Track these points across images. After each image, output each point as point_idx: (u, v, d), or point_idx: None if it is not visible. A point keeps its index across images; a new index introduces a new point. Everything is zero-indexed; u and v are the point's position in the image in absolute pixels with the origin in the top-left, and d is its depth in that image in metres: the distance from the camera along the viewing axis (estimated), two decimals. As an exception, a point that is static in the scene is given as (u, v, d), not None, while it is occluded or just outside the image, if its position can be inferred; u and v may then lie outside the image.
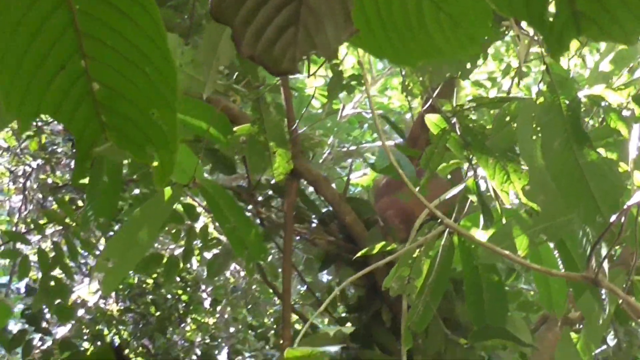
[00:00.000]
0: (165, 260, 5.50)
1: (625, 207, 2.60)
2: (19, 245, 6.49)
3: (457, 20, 1.39)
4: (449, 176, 4.46)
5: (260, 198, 5.17)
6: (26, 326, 6.56)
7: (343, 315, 4.86)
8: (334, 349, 2.78)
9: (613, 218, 2.64)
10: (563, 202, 3.06)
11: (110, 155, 3.10)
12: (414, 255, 3.55)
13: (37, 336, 6.70)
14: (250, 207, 5.06)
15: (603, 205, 2.95)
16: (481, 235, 3.55)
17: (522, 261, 3.04)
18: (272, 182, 5.03)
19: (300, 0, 1.21)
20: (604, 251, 2.99)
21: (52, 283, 5.96)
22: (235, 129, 3.47)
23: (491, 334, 3.53)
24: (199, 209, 5.30)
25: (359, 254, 4.10)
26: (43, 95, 1.35)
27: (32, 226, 6.40)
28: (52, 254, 5.92)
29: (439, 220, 3.59)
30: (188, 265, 7.18)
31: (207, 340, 8.25)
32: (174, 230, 5.64)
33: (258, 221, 5.14)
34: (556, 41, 1.32)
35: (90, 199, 3.44)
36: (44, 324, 6.65)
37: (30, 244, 6.50)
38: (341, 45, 1.21)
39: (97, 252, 6.31)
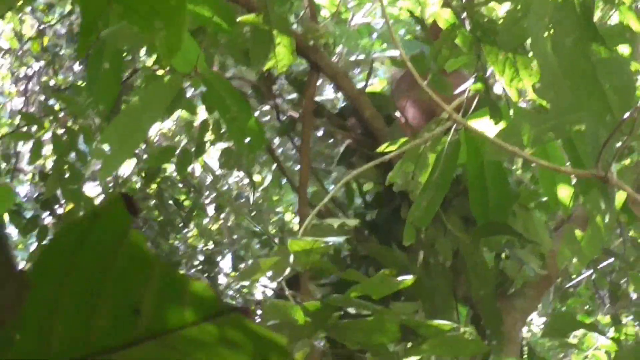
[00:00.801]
0: (177, 152, 5.49)
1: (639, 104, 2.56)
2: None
3: None
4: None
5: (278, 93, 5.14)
6: (40, 211, 6.60)
7: (360, 212, 4.86)
8: (338, 239, 2.78)
9: (626, 115, 2.61)
10: (574, 100, 3.03)
11: (115, 39, 3.07)
12: (420, 151, 3.53)
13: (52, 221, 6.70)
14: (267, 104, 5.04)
15: (614, 103, 2.93)
16: (488, 130, 3.52)
17: (530, 157, 3.03)
18: (292, 76, 4.99)
19: None
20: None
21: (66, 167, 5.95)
22: (239, 19, 3.41)
23: (495, 230, 3.54)
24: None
25: (379, 149, 4.06)
26: None
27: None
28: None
29: (448, 116, 3.57)
30: (191, 170, 7.17)
31: (211, 246, 8.28)
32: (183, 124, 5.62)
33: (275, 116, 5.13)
34: None
35: (90, 86, 3.40)
36: (59, 209, 6.64)
37: (43, 127, 6.42)
38: None
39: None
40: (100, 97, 3.40)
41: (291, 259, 2.82)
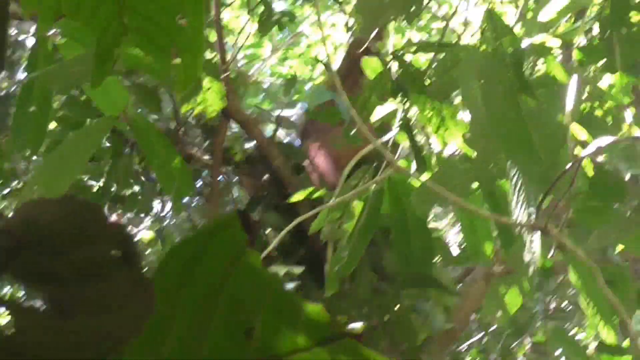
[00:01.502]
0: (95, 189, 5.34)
1: (582, 155, 2.58)
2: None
3: None
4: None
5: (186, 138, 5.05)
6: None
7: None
8: (287, 286, 2.70)
9: (568, 166, 2.62)
10: (503, 150, 3.04)
11: (45, 81, 2.96)
12: (345, 199, 3.49)
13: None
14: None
15: (542, 155, 2.94)
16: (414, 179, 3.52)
17: (464, 203, 3.00)
18: (201, 122, 4.93)
19: None
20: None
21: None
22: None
23: (418, 281, 3.50)
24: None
25: (288, 199, 4.03)
26: None
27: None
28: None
29: (374, 164, 3.55)
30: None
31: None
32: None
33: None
34: None
35: (17, 129, 3.28)
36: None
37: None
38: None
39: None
40: (27, 141, 3.28)
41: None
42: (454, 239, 6.98)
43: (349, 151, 4.11)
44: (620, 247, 3.92)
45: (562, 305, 5.76)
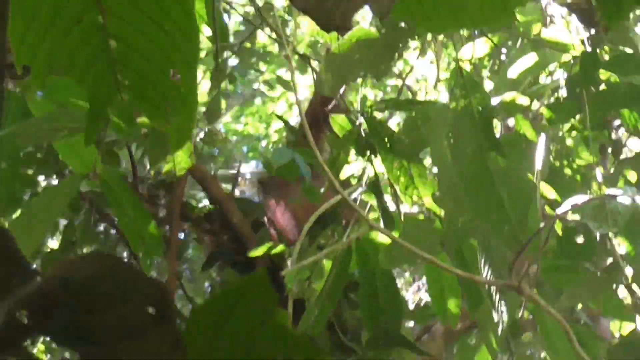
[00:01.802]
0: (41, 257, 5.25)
1: (557, 214, 2.57)
2: None
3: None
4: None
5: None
6: None
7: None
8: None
9: (542, 225, 2.61)
10: (473, 209, 3.03)
11: (14, 138, 2.91)
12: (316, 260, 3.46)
13: None
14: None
15: (512, 214, 2.93)
16: (382, 238, 3.50)
17: (436, 261, 2.98)
18: (158, 177, 4.88)
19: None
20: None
21: None
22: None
23: (388, 340, 3.47)
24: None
25: (248, 255, 4.00)
26: (57, 50, 1.23)
27: None
28: None
29: (344, 223, 3.52)
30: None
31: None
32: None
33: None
34: (614, 8, 1.25)
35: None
36: None
37: None
38: (394, 2, 1.12)
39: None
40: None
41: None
42: (410, 297, 6.99)
43: (308, 208, 4.10)
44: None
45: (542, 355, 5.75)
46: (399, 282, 7.19)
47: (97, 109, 1.30)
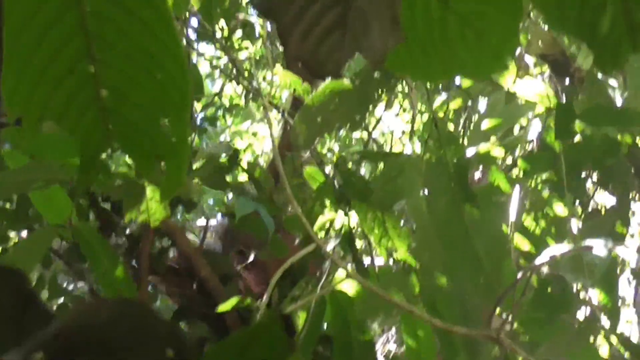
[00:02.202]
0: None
1: (535, 265, 2.58)
2: None
3: (484, 35, 1.32)
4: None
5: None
6: None
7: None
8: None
9: (520, 275, 2.62)
10: (447, 261, 3.04)
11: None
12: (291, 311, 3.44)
13: None
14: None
15: (486, 265, 2.94)
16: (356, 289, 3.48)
17: (416, 310, 2.97)
18: (127, 231, 4.84)
19: (348, 2, 1.12)
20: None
21: None
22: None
23: (362, 394, 3.44)
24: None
25: (217, 309, 3.97)
26: (49, 100, 1.23)
27: None
28: None
29: (318, 274, 3.51)
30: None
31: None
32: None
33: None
34: (610, 56, 1.26)
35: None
36: None
37: None
38: (387, 51, 1.13)
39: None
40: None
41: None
42: (379, 348, 6.96)
43: (276, 262, 4.10)
44: None
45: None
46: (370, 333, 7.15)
47: (88, 159, 1.29)
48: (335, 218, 3.66)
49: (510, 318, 2.86)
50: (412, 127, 4.34)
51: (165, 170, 1.30)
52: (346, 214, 3.47)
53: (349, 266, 3.43)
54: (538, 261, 2.69)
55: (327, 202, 3.46)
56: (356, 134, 8.53)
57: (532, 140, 3.55)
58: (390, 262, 3.65)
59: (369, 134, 5.60)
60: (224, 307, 3.93)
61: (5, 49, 1.16)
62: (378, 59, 1.13)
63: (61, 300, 5.15)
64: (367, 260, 3.60)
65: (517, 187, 3.30)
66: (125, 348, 0.65)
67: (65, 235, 3.37)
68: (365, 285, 2.90)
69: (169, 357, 0.66)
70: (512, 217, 3.30)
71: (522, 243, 3.38)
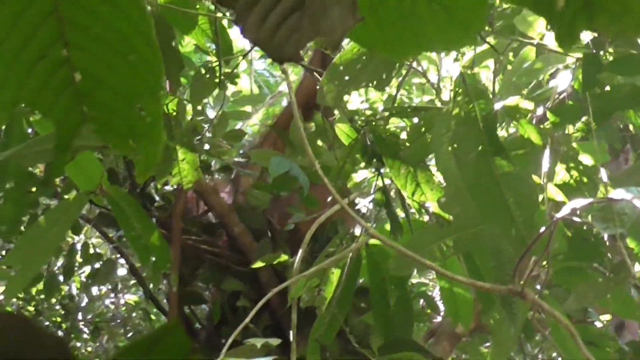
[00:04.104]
0: (44, 278, 5.29)
1: (557, 217, 2.57)
2: None
3: (452, 10, 1.33)
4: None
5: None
6: None
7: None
8: (267, 360, 2.66)
9: (543, 229, 2.62)
10: (479, 214, 3.04)
11: (20, 159, 2.95)
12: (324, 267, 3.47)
13: None
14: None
15: (518, 218, 2.94)
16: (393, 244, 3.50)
17: (440, 269, 2.99)
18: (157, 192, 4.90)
19: (306, -17, 1.13)
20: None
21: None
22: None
23: (400, 346, 3.48)
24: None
25: (249, 266, 4.02)
26: (22, 85, 1.26)
27: None
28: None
29: (351, 231, 3.54)
30: (68, 291, 7.03)
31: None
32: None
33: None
34: (566, 31, 1.27)
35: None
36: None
37: None
38: (347, 32, 1.14)
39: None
40: (3, 218, 3.27)
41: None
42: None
43: (307, 220, 4.14)
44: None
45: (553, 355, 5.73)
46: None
47: (64, 141, 1.32)
48: (368, 175, 3.68)
49: (538, 270, 2.87)
50: (439, 83, 4.32)
51: (140, 150, 1.33)
52: (378, 170, 3.48)
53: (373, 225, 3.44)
54: (564, 212, 2.68)
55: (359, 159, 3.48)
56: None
57: (562, 92, 3.52)
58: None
59: (397, 90, 5.56)
60: (258, 264, 3.97)
61: None
62: (337, 40, 1.14)
63: (97, 265, 5.24)
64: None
65: (549, 138, 3.28)
66: (7, 360, 0.67)
67: (97, 201, 3.42)
68: (390, 245, 2.91)
69: None
70: (545, 168, 3.29)
71: (555, 194, 3.36)
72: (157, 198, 4.99)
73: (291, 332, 3.63)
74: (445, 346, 4.79)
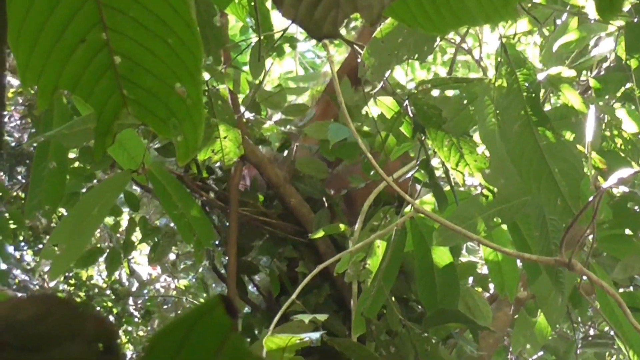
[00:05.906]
0: (106, 254, 5.35)
1: (602, 188, 2.56)
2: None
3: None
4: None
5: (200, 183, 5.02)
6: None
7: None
8: (314, 335, 2.68)
9: (590, 199, 2.61)
10: (523, 185, 3.03)
11: (61, 139, 2.98)
12: (369, 241, 3.48)
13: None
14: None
15: (563, 188, 2.93)
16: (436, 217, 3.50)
17: (484, 241, 2.99)
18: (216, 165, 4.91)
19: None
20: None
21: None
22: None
23: (446, 317, 3.49)
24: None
25: (309, 236, 4.03)
26: (62, 69, 1.26)
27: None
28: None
29: (395, 204, 3.54)
30: (118, 277, 7.12)
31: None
32: (112, 222, 5.50)
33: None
34: (608, 3, 1.26)
35: (35, 187, 3.30)
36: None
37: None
38: (385, 8, 1.13)
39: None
40: (46, 197, 3.30)
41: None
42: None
43: (364, 190, 4.13)
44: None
45: (605, 329, 5.71)
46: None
47: (104, 125, 1.33)
48: (411, 147, 3.66)
49: (590, 237, 2.85)
50: (480, 54, 4.30)
51: (182, 133, 1.33)
52: (421, 142, 3.47)
53: (417, 201, 3.43)
54: (609, 182, 2.67)
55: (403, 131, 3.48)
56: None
57: (606, 60, 3.49)
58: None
59: (450, 67, 5.53)
60: (316, 235, 3.98)
61: (14, 21, 1.20)
62: (375, 17, 1.13)
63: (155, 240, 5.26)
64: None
65: (592, 107, 3.24)
66: (53, 342, 0.67)
67: (140, 179, 3.44)
68: (433, 218, 2.91)
69: (98, 352, 0.68)
70: (589, 137, 3.26)
71: (599, 163, 3.34)
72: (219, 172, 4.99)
73: (352, 301, 3.66)
74: (506, 312, 4.78)
